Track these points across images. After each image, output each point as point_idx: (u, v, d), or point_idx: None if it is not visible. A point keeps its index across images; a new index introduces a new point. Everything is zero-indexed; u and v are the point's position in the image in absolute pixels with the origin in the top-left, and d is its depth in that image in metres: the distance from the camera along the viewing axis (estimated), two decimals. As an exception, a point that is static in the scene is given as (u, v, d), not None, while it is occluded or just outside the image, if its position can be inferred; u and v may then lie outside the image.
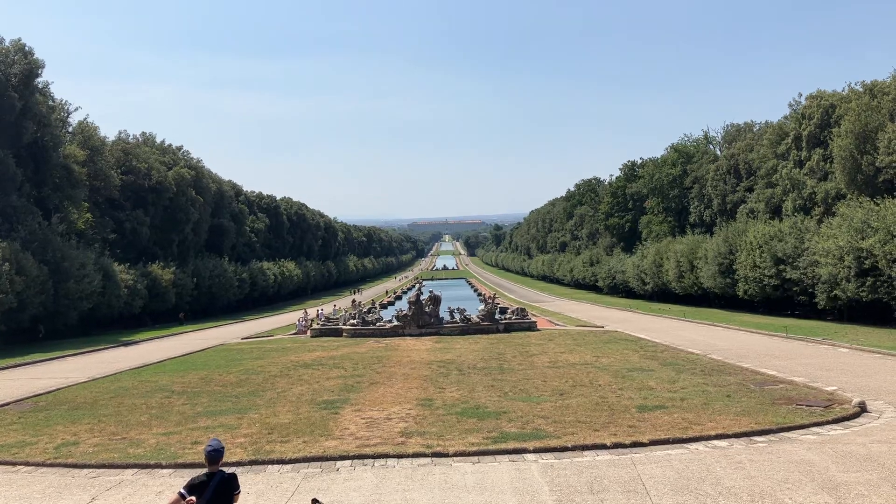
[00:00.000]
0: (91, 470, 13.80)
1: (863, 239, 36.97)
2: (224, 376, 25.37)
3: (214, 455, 7.62)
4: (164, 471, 13.52)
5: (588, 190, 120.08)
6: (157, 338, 46.17)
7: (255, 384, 23.18)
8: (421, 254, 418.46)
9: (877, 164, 41.18)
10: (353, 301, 64.86)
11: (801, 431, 14.86)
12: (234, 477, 7.72)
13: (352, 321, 41.33)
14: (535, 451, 13.87)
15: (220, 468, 7.73)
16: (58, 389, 23.59)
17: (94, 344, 41.32)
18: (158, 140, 73.06)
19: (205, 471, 7.71)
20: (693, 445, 14.00)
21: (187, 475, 13.01)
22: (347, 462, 13.68)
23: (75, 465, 14.06)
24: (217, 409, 19.17)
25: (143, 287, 56.34)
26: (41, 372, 29.43)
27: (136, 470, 13.63)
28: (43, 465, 14.33)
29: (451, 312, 42.12)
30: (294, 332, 45.17)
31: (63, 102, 52.95)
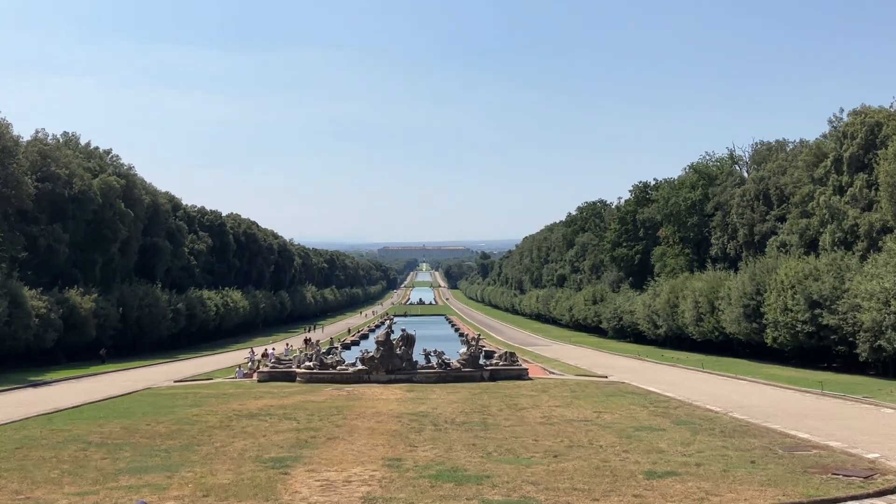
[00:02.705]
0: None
1: (912, 280, 37.36)
2: (152, 426, 25.21)
3: None
4: (77, 539, 13.30)
5: (592, 214, 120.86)
6: (73, 378, 45.50)
7: (190, 436, 23.06)
8: (393, 285, 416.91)
9: (929, 194, 41.73)
10: (307, 340, 63.96)
11: (836, 506, 14.93)
12: None
13: (307, 364, 41.10)
14: (523, 523, 13.85)
15: None
16: (-51, 438, 23.06)
17: (-4, 383, 40.54)
18: (83, 142, 72.75)
19: None
20: (709, 520, 14.04)
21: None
22: (298, 532, 13.57)
23: (-32, 530, 13.82)
24: (143, 465, 18.97)
25: (57, 317, 55.59)
26: (-70, 416, 28.74)
27: (41, 537, 13.42)
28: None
29: (427, 356, 41.96)
30: (234, 376, 44.77)
31: (-30, 94, 52.62)
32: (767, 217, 64.34)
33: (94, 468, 18.58)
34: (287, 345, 68.39)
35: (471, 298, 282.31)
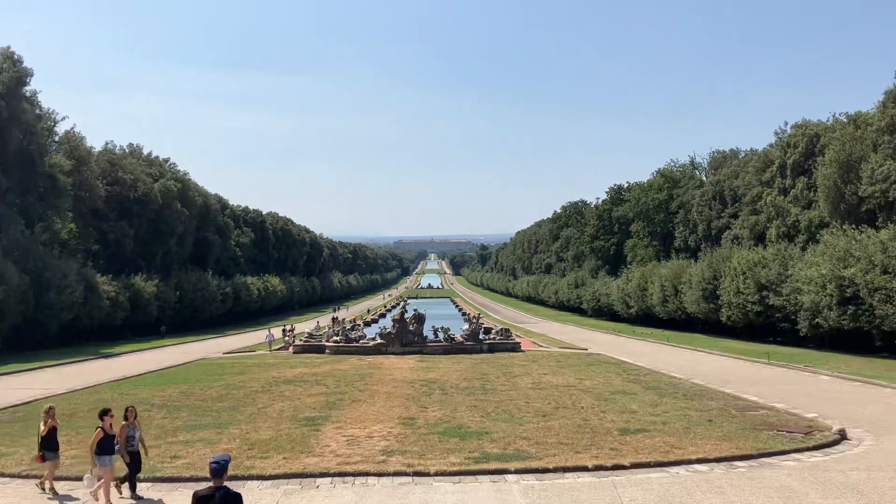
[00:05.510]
0: (67, 482, 13.63)
1: (845, 268, 37.17)
2: (205, 391, 25.18)
3: (215, 469, 7.67)
4: (142, 485, 13.34)
5: (574, 212, 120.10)
6: (138, 350, 45.53)
7: (236, 399, 23.06)
8: (406, 272, 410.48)
9: (860, 194, 41.55)
10: (334, 318, 63.37)
11: (781, 457, 14.99)
12: (238, 498, 7.68)
13: (335, 338, 41.03)
14: (517, 471, 13.87)
15: (225, 484, 7.75)
16: (35, 400, 23.17)
17: (74, 355, 40.65)
18: (145, 152, 72.76)
19: (209, 484, 7.80)
20: (674, 469, 14.06)
21: (165, 489, 13.04)
22: (327, 479, 13.58)
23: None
24: (197, 423, 19.03)
25: (125, 299, 55.77)
26: (19, 382, 28.95)
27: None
28: (18, 476, 14.15)
29: (436, 331, 41.89)
30: (266, 349, 43.66)
31: (50, 111, 52.75)
32: (723, 214, 64.13)
33: (156, 426, 18.61)
34: (317, 322, 68.14)
35: (472, 284, 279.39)
